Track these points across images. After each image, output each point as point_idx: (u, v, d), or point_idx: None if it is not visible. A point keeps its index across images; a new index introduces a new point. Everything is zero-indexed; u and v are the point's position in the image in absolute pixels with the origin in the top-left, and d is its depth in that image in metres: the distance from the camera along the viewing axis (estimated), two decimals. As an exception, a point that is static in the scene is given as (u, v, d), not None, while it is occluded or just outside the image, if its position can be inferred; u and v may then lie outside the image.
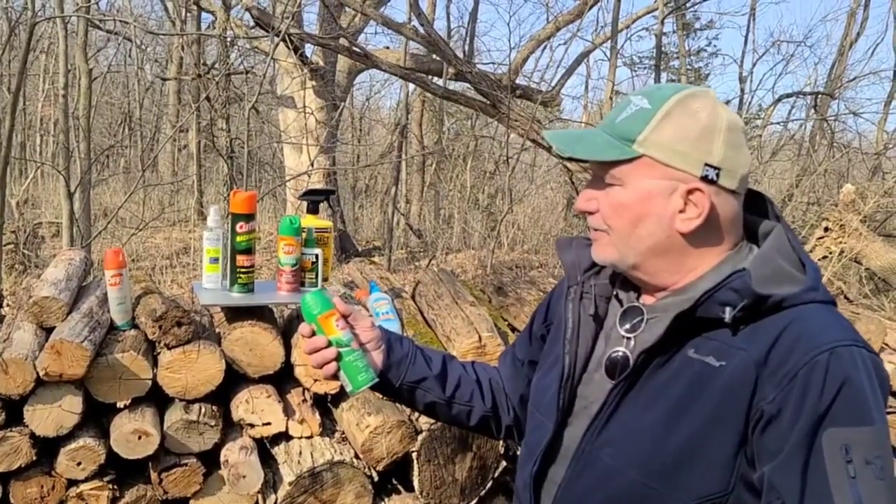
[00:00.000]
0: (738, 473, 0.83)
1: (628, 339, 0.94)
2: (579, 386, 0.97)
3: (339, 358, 1.05)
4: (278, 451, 1.71)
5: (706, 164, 0.88)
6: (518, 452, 1.26)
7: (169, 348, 1.66)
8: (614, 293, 0.99)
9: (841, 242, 3.77)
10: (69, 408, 1.56)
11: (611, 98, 6.19)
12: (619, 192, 0.90)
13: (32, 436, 1.56)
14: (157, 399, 1.69)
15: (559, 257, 1.08)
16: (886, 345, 2.29)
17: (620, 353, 0.93)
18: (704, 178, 0.88)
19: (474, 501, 1.72)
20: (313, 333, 1.05)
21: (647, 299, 0.96)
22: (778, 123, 9.52)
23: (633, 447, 0.88)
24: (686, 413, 0.85)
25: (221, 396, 1.73)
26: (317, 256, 1.82)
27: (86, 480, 1.59)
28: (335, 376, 1.06)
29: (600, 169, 0.91)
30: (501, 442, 1.76)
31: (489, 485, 1.74)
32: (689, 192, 0.88)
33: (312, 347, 1.04)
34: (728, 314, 0.84)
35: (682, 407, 0.86)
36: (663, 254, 0.90)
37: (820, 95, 8.36)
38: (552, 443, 0.96)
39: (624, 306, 0.97)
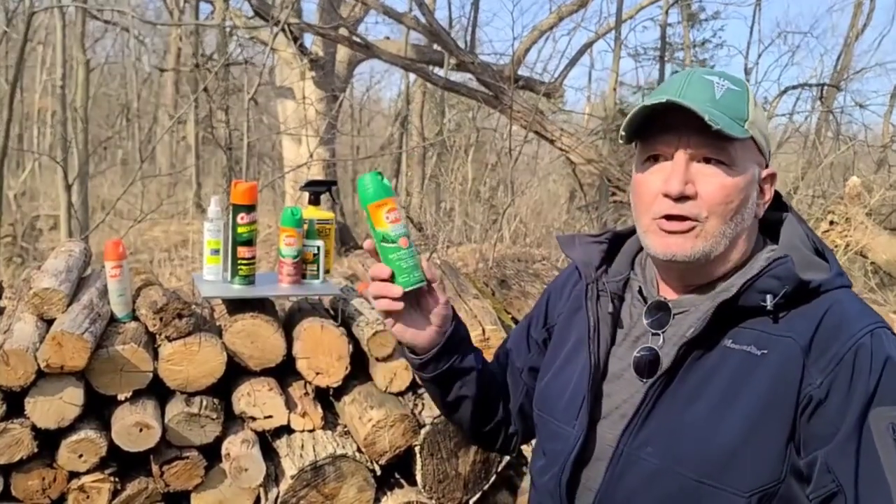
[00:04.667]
0: (790, 461, 0.82)
1: (656, 335, 0.91)
2: (604, 386, 0.94)
3: (383, 252, 0.95)
4: (280, 445, 1.69)
5: (769, 153, 0.90)
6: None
7: (170, 340, 1.64)
8: (637, 287, 0.96)
9: (846, 236, 3.75)
10: (70, 400, 1.55)
11: (614, 89, 6.16)
12: (731, 175, 0.86)
13: (34, 428, 1.54)
14: (159, 392, 1.67)
15: (567, 255, 1.05)
16: (892, 338, 2.28)
17: (649, 351, 0.91)
18: (768, 166, 0.90)
19: (477, 496, 1.71)
20: (377, 256, 0.96)
21: (670, 294, 0.94)
22: (783, 115, 9.51)
23: (680, 444, 0.85)
24: (733, 405, 0.84)
25: (222, 389, 1.71)
26: (318, 248, 1.81)
27: (87, 473, 1.58)
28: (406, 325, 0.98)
29: (711, 147, 0.85)
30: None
31: (493, 479, 1.73)
32: (767, 178, 0.90)
33: (376, 276, 0.95)
34: (770, 302, 0.83)
35: (728, 399, 0.84)
36: (739, 241, 0.89)
37: (826, 87, 8.32)
38: (583, 446, 0.92)
39: (648, 302, 0.94)
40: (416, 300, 1.00)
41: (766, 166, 0.90)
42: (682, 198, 0.85)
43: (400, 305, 0.96)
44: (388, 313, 0.98)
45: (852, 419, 0.79)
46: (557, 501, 0.94)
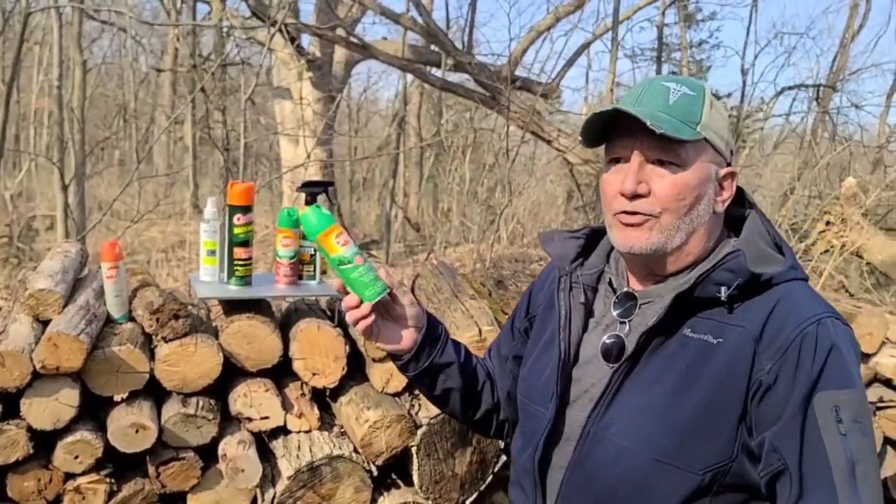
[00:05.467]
0: (740, 442, 0.89)
1: (623, 323, 0.98)
2: (574, 371, 1.00)
3: (343, 275, 1.01)
4: (277, 446, 1.69)
5: (731, 152, 0.97)
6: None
7: (166, 341, 1.64)
8: (608, 279, 1.03)
9: (842, 236, 3.76)
10: (66, 401, 1.55)
11: (611, 90, 6.17)
12: (681, 175, 0.92)
13: (29, 429, 1.54)
14: (155, 392, 1.67)
15: (545, 250, 1.11)
16: (888, 339, 2.28)
17: (616, 338, 0.97)
18: (729, 164, 0.97)
19: (474, 496, 1.71)
20: (346, 291, 1.03)
21: (637, 286, 1.01)
22: (780, 116, 9.53)
23: (641, 425, 0.92)
24: (690, 389, 0.90)
25: (219, 390, 1.71)
26: (315, 249, 1.81)
27: (83, 474, 1.57)
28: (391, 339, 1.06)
29: (661, 150, 0.92)
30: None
31: (489, 479, 1.73)
32: (726, 176, 0.96)
33: (348, 306, 1.02)
34: (724, 293, 0.90)
35: (686, 383, 0.90)
36: (698, 235, 0.95)
37: (822, 88, 8.35)
38: (554, 427, 0.99)
39: (617, 293, 1.01)
40: (386, 309, 1.07)
41: (728, 165, 0.97)
42: (636, 196, 0.93)
43: (372, 318, 1.03)
44: (366, 331, 1.05)
45: (797, 402, 0.85)
46: (532, 479, 1.01)
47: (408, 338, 1.08)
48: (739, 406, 0.88)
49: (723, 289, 0.90)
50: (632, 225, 0.94)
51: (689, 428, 0.89)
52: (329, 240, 1.00)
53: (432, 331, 1.11)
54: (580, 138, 1.00)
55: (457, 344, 1.15)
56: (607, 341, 0.98)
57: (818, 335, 0.86)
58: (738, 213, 1.00)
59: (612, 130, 0.96)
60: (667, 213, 0.92)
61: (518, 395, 1.10)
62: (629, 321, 0.97)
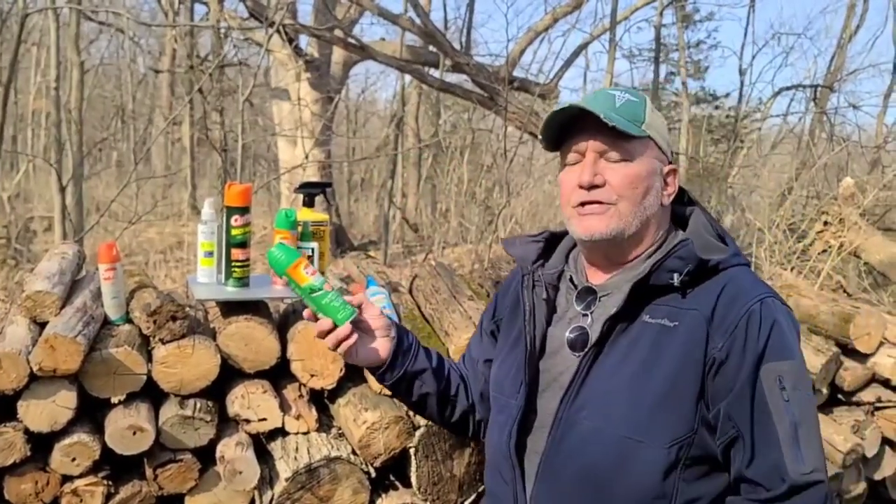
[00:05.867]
0: (700, 415, 0.98)
1: (585, 315, 1.07)
2: (542, 363, 1.08)
3: (315, 303, 1.08)
4: (274, 447, 1.69)
5: (672, 152, 1.09)
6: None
7: (163, 343, 1.64)
8: (569, 276, 1.12)
9: (840, 236, 3.76)
10: (63, 403, 1.55)
11: (608, 91, 6.16)
12: (632, 166, 1.03)
13: (26, 431, 1.54)
14: (152, 394, 1.67)
15: (508, 253, 1.20)
16: (886, 339, 2.29)
17: (581, 329, 1.06)
18: (671, 163, 1.08)
19: (472, 497, 1.71)
20: (316, 318, 1.10)
21: (596, 280, 1.09)
22: (777, 116, 9.53)
23: (610, 406, 1.00)
24: (652, 370, 0.98)
25: (217, 392, 1.71)
26: (313, 250, 1.80)
27: (80, 476, 1.57)
28: (354, 354, 1.12)
29: (612, 146, 1.02)
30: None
31: (488, 480, 1.73)
32: (669, 172, 1.07)
33: (322, 331, 1.09)
34: (676, 279, 0.99)
35: (648, 365, 0.99)
36: (649, 224, 1.05)
37: (819, 88, 8.35)
38: (525, 415, 1.06)
39: (578, 288, 1.09)
40: (356, 325, 1.14)
41: (669, 163, 1.08)
42: (593, 187, 1.02)
43: (355, 337, 1.10)
44: (348, 352, 1.12)
45: (746, 374, 0.95)
46: (510, 465, 1.07)
47: (382, 349, 1.15)
48: (698, 382, 0.97)
49: (675, 275, 0.99)
50: (591, 214, 1.03)
51: (653, 406, 0.97)
52: (298, 271, 1.07)
53: (403, 340, 1.18)
54: (541, 140, 1.10)
55: (428, 350, 1.22)
56: (572, 333, 1.06)
57: (762, 313, 0.96)
58: (682, 211, 1.11)
59: (567, 133, 1.06)
60: (623, 200, 1.02)
61: (490, 391, 1.18)
62: (591, 313, 1.06)
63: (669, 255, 1.01)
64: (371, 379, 1.72)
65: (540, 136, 1.08)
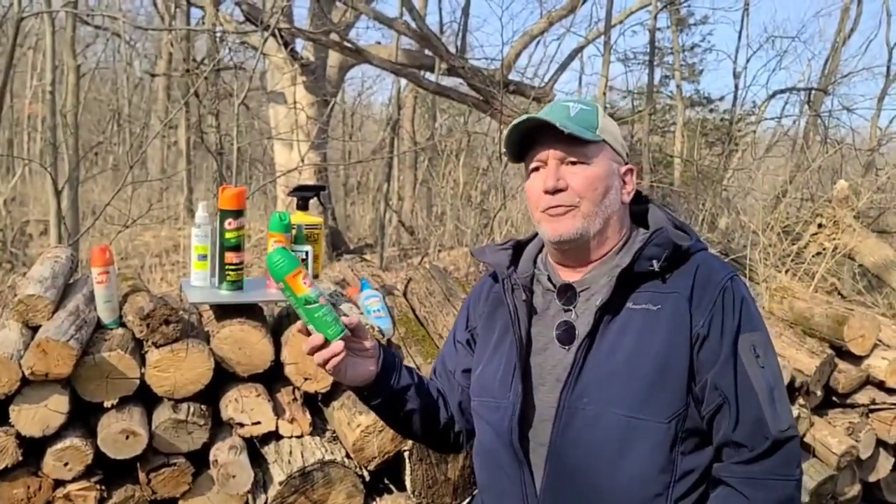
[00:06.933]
0: (689, 388, 1.05)
1: (567, 310, 1.12)
2: (531, 360, 1.13)
3: (307, 314, 1.07)
4: (268, 451, 1.69)
5: (626, 154, 1.17)
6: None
7: (157, 347, 1.64)
8: (542, 278, 1.18)
9: (835, 239, 3.77)
10: (55, 407, 1.54)
11: (604, 94, 6.19)
12: (590, 169, 1.11)
13: (18, 436, 1.53)
14: (145, 398, 1.66)
15: (481, 261, 1.27)
16: (880, 341, 2.29)
17: (567, 324, 1.11)
18: (627, 163, 1.16)
19: (467, 500, 1.71)
20: (308, 333, 1.10)
21: (570, 278, 1.15)
22: (772, 119, 9.55)
23: (609, 390, 1.05)
24: (644, 352, 1.05)
25: (210, 395, 1.70)
26: (307, 253, 1.80)
27: (73, 481, 1.56)
28: (339, 373, 1.13)
29: (570, 152, 1.10)
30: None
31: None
32: (626, 172, 1.16)
33: (313, 346, 1.10)
34: (656, 265, 1.07)
35: (640, 348, 1.06)
36: (612, 222, 1.13)
37: (813, 91, 8.38)
38: (523, 411, 1.10)
39: (557, 286, 1.15)
40: (346, 344, 1.13)
41: (626, 164, 1.16)
42: (556, 191, 1.10)
43: (344, 354, 1.11)
44: (335, 369, 1.12)
45: (728, 345, 1.05)
46: (517, 460, 1.09)
47: (370, 365, 1.17)
48: (686, 358, 1.05)
49: (654, 262, 1.07)
50: (558, 216, 1.10)
51: (650, 384, 1.04)
52: (297, 280, 1.07)
53: (388, 357, 1.20)
54: (504, 153, 1.18)
55: (409, 367, 1.25)
56: (559, 329, 1.12)
57: (733, 289, 1.07)
58: (640, 209, 1.19)
59: (528, 144, 1.13)
60: (585, 200, 1.10)
61: (473, 398, 1.20)
62: (574, 308, 1.12)
63: (648, 244, 1.09)
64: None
65: (503, 149, 1.18)
